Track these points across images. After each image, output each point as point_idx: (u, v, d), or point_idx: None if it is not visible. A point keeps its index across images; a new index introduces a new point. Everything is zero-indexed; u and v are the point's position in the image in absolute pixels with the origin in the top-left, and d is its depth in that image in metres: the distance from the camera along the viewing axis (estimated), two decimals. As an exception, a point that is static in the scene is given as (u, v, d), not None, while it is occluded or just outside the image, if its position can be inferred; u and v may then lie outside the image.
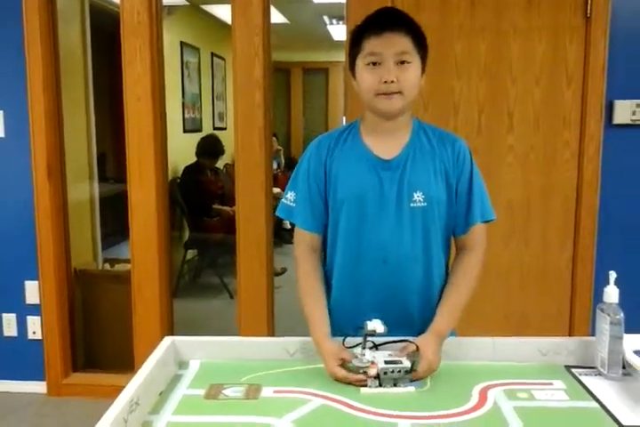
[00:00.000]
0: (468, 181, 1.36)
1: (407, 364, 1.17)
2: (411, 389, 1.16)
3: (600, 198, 2.48)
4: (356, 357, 1.19)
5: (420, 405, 1.10)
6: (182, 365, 1.29)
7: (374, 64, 1.28)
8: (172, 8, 4.52)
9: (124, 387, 1.05)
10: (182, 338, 1.32)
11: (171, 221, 2.88)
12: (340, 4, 2.60)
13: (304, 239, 1.40)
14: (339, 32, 6.22)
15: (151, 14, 2.60)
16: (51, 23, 2.68)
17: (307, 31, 6.41)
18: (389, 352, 1.21)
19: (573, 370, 1.25)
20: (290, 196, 1.40)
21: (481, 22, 2.45)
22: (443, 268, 1.41)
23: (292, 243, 1.46)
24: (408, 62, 1.28)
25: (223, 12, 4.92)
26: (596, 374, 1.22)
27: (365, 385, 1.16)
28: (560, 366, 1.27)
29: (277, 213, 1.43)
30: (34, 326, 2.79)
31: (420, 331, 1.30)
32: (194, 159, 4.66)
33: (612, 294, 1.19)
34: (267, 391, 1.16)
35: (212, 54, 5.70)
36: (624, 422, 1.04)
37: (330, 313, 1.35)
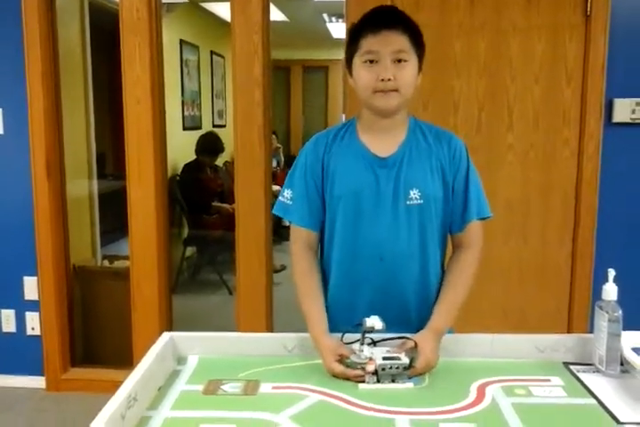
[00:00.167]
0: (465, 178, 1.36)
1: (405, 360, 1.17)
2: (409, 385, 1.16)
3: (599, 196, 2.49)
4: (355, 353, 1.20)
5: (417, 401, 1.10)
6: (181, 360, 1.29)
7: (371, 62, 1.29)
8: (171, 6, 4.51)
9: (122, 382, 1.05)
10: (181, 334, 1.32)
11: (170, 218, 2.88)
12: (339, 1, 2.60)
13: (301, 236, 1.40)
14: (338, 30, 6.21)
15: (150, 12, 2.60)
16: (50, 21, 2.68)
17: (306, 29, 6.40)
18: (387, 349, 1.21)
19: (571, 367, 1.25)
20: (287, 193, 1.40)
21: (480, 20, 2.45)
22: (439, 266, 1.41)
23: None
24: (405, 61, 1.29)
25: (222, 10, 4.91)
26: (593, 371, 1.22)
27: (363, 381, 1.17)
28: (558, 363, 1.27)
29: (274, 211, 1.43)
30: (32, 321, 2.80)
31: (416, 328, 1.31)
32: (193, 157, 4.66)
33: (610, 291, 1.19)
34: (265, 387, 1.16)
35: (212, 52, 5.70)
36: (621, 419, 1.04)
37: (327, 310, 1.35)
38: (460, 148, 1.38)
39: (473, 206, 1.36)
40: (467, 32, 2.46)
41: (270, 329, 2.70)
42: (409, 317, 1.37)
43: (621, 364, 1.20)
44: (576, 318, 2.53)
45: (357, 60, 1.31)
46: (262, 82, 2.57)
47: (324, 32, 6.46)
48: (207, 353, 1.31)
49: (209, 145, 4.71)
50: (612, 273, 1.20)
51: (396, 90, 1.28)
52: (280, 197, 1.41)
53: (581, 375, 1.21)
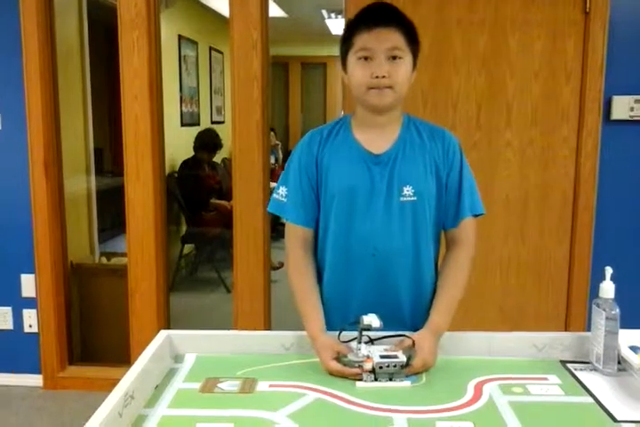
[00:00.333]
0: (458, 175, 1.36)
1: (403, 358, 1.17)
2: (406, 383, 1.16)
3: (597, 194, 2.49)
4: (352, 351, 1.20)
5: (415, 399, 1.10)
6: (178, 358, 1.29)
7: (365, 59, 1.28)
8: (169, 1, 4.49)
9: (119, 380, 1.05)
10: (178, 332, 1.32)
11: (168, 215, 2.87)
12: (338, -3, 2.59)
13: (296, 234, 1.40)
14: (337, 26, 6.19)
15: (149, 7, 2.59)
16: (48, 17, 2.67)
17: (305, 25, 6.38)
18: (385, 347, 1.21)
19: (569, 365, 1.25)
20: (281, 191, 1.39)
21: (479, 17, 2.44)
22: (433, 263, 1.41)
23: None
24: (399, 58, 1.29)
25: (221, 6, 4.89)
26: (591, 370, 1.22)
27: (361, 379, 1.16)
28: (555, 361, 1.27)
29: (269, 209, 1.43)
30: (30, 319, 2.79)
31: (410, 325, 1.31)
32: (191, 153, 4.65)
33: (607, 289, 1.19)
34: (262, 385, 1.16)
35: (210, 48, 5.68)
36: (618, 418, 1.04)
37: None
38: (454, 144, 1.38)
39: (466, 203, 1.36)
40: (465, 28, 2.45)
41: (268, 327, 2.70)
42: (402, 314, 1.37)
43: (618, 362, 1.20)
44: (574, 316, 2.53)
45: (352, 57, 1.31)
46: (261, 78, 2.57)
47: (322, 28, 6.44)
48: (204, 351, 1.31)
49: (207, 141, 4.70)
50: (609, 271, 1.20)
51: (390, 87, 1.28)
52: (274, 195, 1.41)
53: (578, 374, 1.21)
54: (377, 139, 1.35)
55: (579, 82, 2.44)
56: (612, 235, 2.51)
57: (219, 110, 5.98)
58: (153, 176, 2.66)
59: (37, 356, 2.79)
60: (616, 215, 2.50)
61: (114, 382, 1.03)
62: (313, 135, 1.40)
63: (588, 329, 1.24)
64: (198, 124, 5.27)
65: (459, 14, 2.45)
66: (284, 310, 2.48)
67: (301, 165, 1.38)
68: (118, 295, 2.81)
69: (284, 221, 1.44)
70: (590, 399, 1.11)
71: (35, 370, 2.80)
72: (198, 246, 4.79)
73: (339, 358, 1.21)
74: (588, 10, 2.40)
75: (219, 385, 1.16)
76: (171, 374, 1.22)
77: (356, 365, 1.17)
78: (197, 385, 1.16)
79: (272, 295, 2.76)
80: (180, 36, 4.86)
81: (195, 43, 5.22)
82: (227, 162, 5.28)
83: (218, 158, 5.04)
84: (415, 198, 1.33)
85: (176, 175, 4.61)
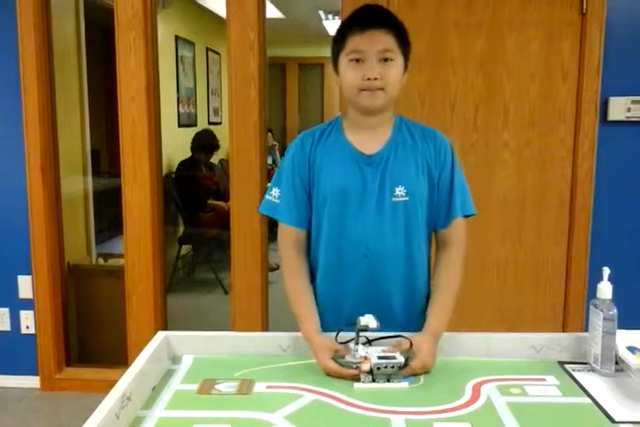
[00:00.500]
0: (450, 175, 1.37)
1: (401, 359, 1.17)
2: (404, 384, 1.16)
3: (594, 195, 2.49)
4: (350, 352, 1.19)
5: (413, 400, 1.10)
6: (175, 360, 1.29)
7: (357, 61, 1.29)
8: (166, 1, 4.49)
9: (117, 382, 1.04)
10: (175, 333, 1.32)
11: (165, 216, 2.87)
12: (335, -2, 2.59)
13: (289, 235, 1.40)
14: (334, 27, 6.18)
15: (146, 7, 2.59)
16: (45, 18, 2.66)
17: (302, 26, 6.38)
18: (383, 348, 1.21)
19: (566, 366, 1.25)
20: (274, 192, 1.39)
21: (477, 19, 2.45)
22: (425, 263, 1.41)
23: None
24: (391, 60, 1.29)
25: (218, 6, 4.89)
26: (588, 370, 1.22)
27: (359, 380, 1.16)
28: (553, 362, 1.27)
29: (261, 210, 1.42)
30: (27, 320, 2.78)
31: (402, 326, 1.31)
32: (189, 154, 4.65)
33: (605, 289, 1.19)
34: (260, 387, 1.16)
35: (207, 49, 5.68)
36: (616, 418, 1.04)
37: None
38: (446, 145, 1.38)
39: (457, 203, 1.37)
40: (463, 30, 2.45)
41: (265, 328, 2.70)
42: (394, 314, 1.37)
43: (616, 363, 1.20)
44: (571, 317, 2.53)
45: (343, 59, 1.31)
46: (258, 79, 2.57)
47: (320, 29, 6.44)
48: (202, 353, 1.31)
49: (204, 142, 4.69)
50: (606, 271, 1.20)
51: (381, 89, 1.29)
52: (267, 196, 1.41)
53: (576, 374, 1.21)
54: (369, 140, 1.36)
55: (575, 83, 2.45)
56: (609, 235, 2.51)
57: (216, 111, 5.98)
58: (150, 177, 2.66)
59: (34, 357, 2.79)
60: (613, 216, 2.51)
61: (111, 384, 1.03)
62: (305, 137, 1.41)
63: (586, 330, 1.24)
64: (195, 125, 5.26)
65: (456, 16, 2.45)
66: (281, 311, 2.48)
67: (294, 166, 1.38)
68: (115, 297, 2.80)
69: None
70: (588, 400, 1.11)
71: (32, 372, 2.80)
72: (196, 247, 4.78)
73: (335, 358, 1.21)
74: (584, 11, 2.40)
75: (216, 386, 1.16)
76: (168, 375, 1.22)
77: (354, 366, 1.17)
78: (195, 387, 1.16)
79: (269, 296, 2.76)
80: (176, 37, 4.86)
81: (192, 44, 5.22)
82: (224, 163, 5.27)
83: (215, 159, 5.03)
84: (407, 199, 1.33)
85: (173, 176, 4.60)
